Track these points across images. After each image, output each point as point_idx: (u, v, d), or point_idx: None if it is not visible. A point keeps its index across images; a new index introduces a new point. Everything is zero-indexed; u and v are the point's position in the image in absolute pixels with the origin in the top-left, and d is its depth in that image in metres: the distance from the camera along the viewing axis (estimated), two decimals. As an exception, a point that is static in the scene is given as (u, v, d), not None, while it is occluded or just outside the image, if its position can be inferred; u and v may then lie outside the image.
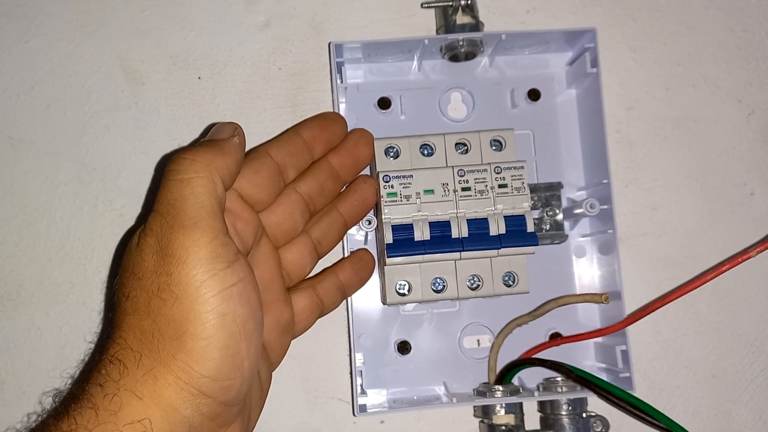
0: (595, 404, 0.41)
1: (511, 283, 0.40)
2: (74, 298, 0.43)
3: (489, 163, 0.40)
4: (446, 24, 0.43)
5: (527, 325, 0.42)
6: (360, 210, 0.40)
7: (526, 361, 0.41)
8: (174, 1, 0.46)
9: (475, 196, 0.40)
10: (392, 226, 0.39)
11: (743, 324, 0.45)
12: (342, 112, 0.44)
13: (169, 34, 0.46)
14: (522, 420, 0.41)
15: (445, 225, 0.39)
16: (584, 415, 0.41)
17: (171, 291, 0.28)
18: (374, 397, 0.42)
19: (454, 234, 0.39)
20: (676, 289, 0.37)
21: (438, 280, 0.40)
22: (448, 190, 0.40)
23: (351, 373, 0.42)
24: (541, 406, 0.42)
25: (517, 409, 0.40)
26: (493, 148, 0.41)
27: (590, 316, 0.44)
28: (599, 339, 0.43)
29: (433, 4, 0.44)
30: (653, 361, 0.44)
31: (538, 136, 0.45)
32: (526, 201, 0.40)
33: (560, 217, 0.42)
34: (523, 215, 0.39)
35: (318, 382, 0.43)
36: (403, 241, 0.39)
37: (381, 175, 0.40)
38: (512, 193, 0.40)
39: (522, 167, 0.40)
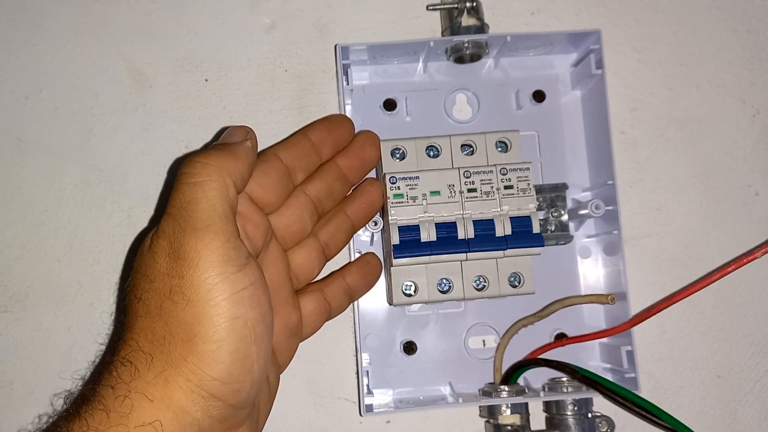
0: (601, 404, 0.41)
1: (517, 284, 0.40)
2: (82, 298, 0.44)
3: (495, 165, 0.40)
4: (451, 26, 0.43)
5: (532, 325, 0.42)
6: (367, 213, 0.40)
7: (531, 362, 0.41)
8: (180, 4, 0.46)
9: (481, 197, 0.40)
10: (399, 227, 0.39)
11: (748, 324, 0.45)
12: (348, 114, 0.44)
13: (175, 36, 0.46)
14: (528, 420, 0.41)
15: (451, 226, 0.39)
16: (590, 415, 0.41)
17: (183, 294, 0.28)
18: (380, 398, 0.42)
19: (460, 235, 0.39)
20: (681, 289, 0.37)
21: (444, 280, 0.40)
22: (454, 192, 0.40)
23: (357, 373, 0.42)
24: (547, 406, 0.42)
25: (522, 410, 0.41)
26: (499, 149, 0.41)
27: (595, 317, 0.44)
28: (604, 339, 0.43)
29: (438, 7, 0.44)
30: (658, 361, 0.45)
31: (543, 138, 0.45)
32: (531, 202, 0.40)
33: (565, 217, 0.43)
34: (528, 216, 0.40)
35: (324, 383, 0.44)
36: (409, 242, 0.39)
37: (387, 177, 0.40)
38: (518, 194, 0.40)
39: (528, 168, 0.40)
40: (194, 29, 0.46)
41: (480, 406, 0.42)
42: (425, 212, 0.40)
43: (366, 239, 0.43)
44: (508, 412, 0.40)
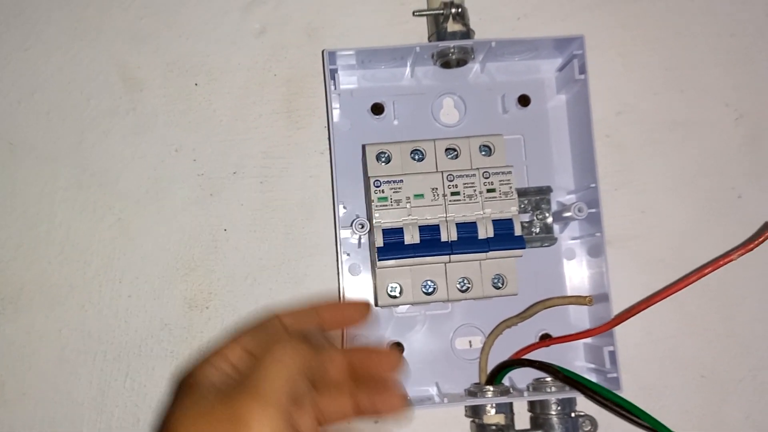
0: (585, 404, 0.42)
1: (500, 285, 0.41)
2: (73, 300, 0.44)
3: (478, 168, 0.41)
4: (438, 32, 0.44)
5: (517, 326, 0.43)
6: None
7: (515, 362, 0.41)
8: (171, 9, 0.47)
9: (464, 200, 0.40)
10: (383, 229, 0.40)
11: (732, 325, 0.46)
12: (336, 118, 0.45)
13: (166, 41, 0.46)
14: (512, 420, 0.41)
15: (434, 229, 0.40)
16: (573, 414, 0.41)
17: None
18: (367, 398, 0.43)
19: (444, 237, 0.40)
20: (661, 290, 0.38)
21: (428, 282, 0.41)
22: (438, 195, 0.40)
23: (345, 374, 0.43)
24: (531, 406, 0.42)
25: (507, 409, 0.41)
26: (483, 153, 0.42)
27: (580, 318, 0.45)
28: (588, 340, 0.44)
29: (425, 13, 0.45)
30: (644, 361, 0.45)
31: (529, 141, 0.46)
32: (513, 205, 0.40)
33: (550, 220, 0.43)
34: (510, 219, 0.40)
35: (312, 383, 0.44)
36: (393, 245, 0.40)
37: (372, 180, 0.40)
38: (500, 197, 0.40)
39: (510, 172, 0.41)
40: (185, 34, 0.47)
41: (466, 406, 0.43)
42: (409, 215, 0.40)
43: (354, 241, 0.44)
44: (493, 411, 0.41)
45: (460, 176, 0.41)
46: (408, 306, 0.44)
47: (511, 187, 0.41)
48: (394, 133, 0.45)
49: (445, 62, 0.44)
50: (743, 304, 0.46)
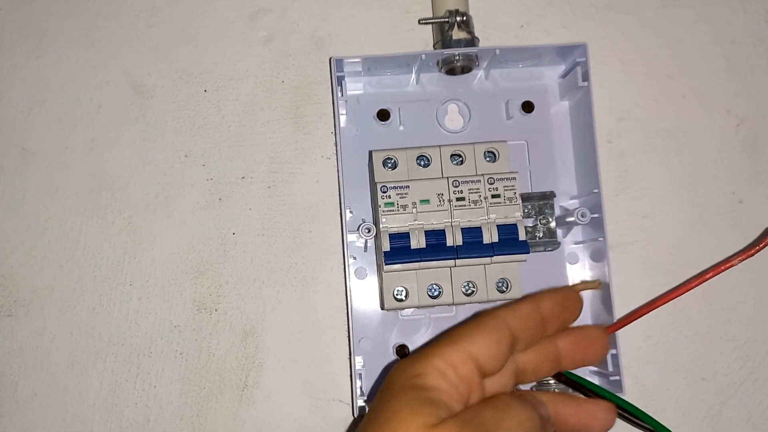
0: (587, 406, 0.42)
1: (505, 289, 0.42)
2: (84, 304, 0.45)
3: (483, 174, 0.42)
4: (443, 39, 0.45)
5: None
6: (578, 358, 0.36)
7: (519, 365, 0.42)
8: (180, 18, 0.48)
9: (469, 205, 0.41)
10: (389, 234, 0.41)
11: (732, 329, 0.46)
12: (342, 124, 0.45)
13: (175, 49, 0.47)
14: (516, 421, 0.42)
15: (440, 233, 0.41)
16: (576, 416, 0.42)
17: None
18: (373, 400, 0.44)
19: (449, 242, 0.40)
20: (662, 295, 0.39)
21: (434, 286, 0.42)
22: (443, 200, 0.41)
23: (351, 376, 0.44)
24: (535, 408, 0.43)
25: (511, 411, 0.42)
26: (487, 159, 0.43)
27: (583, 321, 0.45)
28: (591, 343, 0.44)
29: (430, 21, 0.45)
30: (644, 364, 0.46)
31: (533, 147, 0.46)
32: (517, 210, 0.41)
33: (553, 225, 0.44)
34: (515, 224, 0.41)
35: (319, 385, 0.45)
36: (400, 249, 0.40)
37: (379, 186, 0.41)
38: (505, 202, 0.41)
39: (514, 178, 0.42)
40: (193, 42, 0.47)
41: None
42: (415, 220, 0.41)
43: (360, 245, 0.45)
44: (497, 413, 0.41)
45: (465, 182, 0.41)
46: (413, 309, 0.44)
47: (515, 193, 0.41)
48: (399, 138, 0.46)
49: (450, 69, 0.45)
50: (743, 308, 0.46)
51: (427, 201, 0.41)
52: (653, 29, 0.49)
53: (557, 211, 0.45)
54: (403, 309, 0.44)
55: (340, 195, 0.43)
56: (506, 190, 0.41)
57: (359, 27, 0.48)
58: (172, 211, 0.46)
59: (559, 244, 0.45)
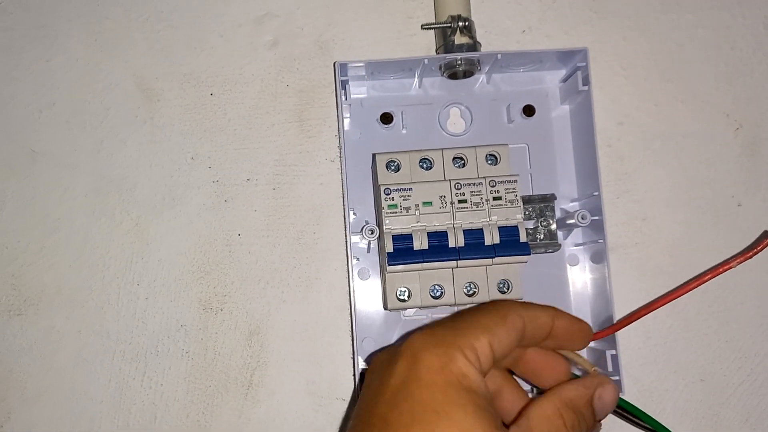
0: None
1: (506, 290, 0.42)
2: (92, 303, 0.46)
3: (484, 177, 0.42)
4: (445, 44, 0.45)
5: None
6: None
7: (520, 365, 0.43)
8: (187, 22, 0.48)
9: (471, 208, 0.42)
10: (393, 236, 0.41)
11: (730, 330, 0.47)
12: (346, 127, 0.46)
13: (182, 53, 0.48)
14: (516, 421, 0.43)
15: (442, 235, 0.41)
16: (576, 416, 0.42)
17: None
18: (376, 399, 0.44)
19: (451, 243, 0.41)
20: (661, 297, 0.39)
21: (436, 286, 0.42)
22: (446, 203, 0.42)
23: (354, 375, 0.44)
24: (535, 407, 0.43)
25: (512, 410, 0.42)
26: (489, 162, 0.43)
27: (583, 322, 0.46)
28: (592, 344, 0.45)
29: (432, 26, 0.46)
30: (644, 365, 0.46)
31: (533, 150, 0.47)
32: (519, 213, 0.42)
33: (554, 227, 0.44)
34: (516, 226, 0.42)
35: (323, 384, 0.45)
36: (402, 250, 0.41)
37: (382, 188, 0.42)
38: (506, 205, 0.42)
39: (515, 181, 0.42)
40: (200, 46, 0.48)
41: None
42: (418, 222, 0.42)
43: (363, 246, 0.45)
44: (498, 412, 0.42)
45: (467, 184, 0.42)
46: (416, 309, 0.45)
47: (516, 195, 0.42)
48: (402, 141, 0.46)
49: (453, 73, 0.45)
50: (741, 310, 0.47)
51: (429, 203, 0.42)
52: (653, 34, 0.49)
53: (558, 214, 0.45)
54: (406, 309, 0.44)
55: (344, 197, 0.44)
56: (507, 192, 0.42)
57: (363, 32, 0.49)
58: (179, 212, 0.47)
59: (560, 245, 0.45)
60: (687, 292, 0.38)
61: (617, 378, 0.42)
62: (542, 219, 0.45)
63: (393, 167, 0.43)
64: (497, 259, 0.41)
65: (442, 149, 0.43)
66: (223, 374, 0.45)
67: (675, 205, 0.48)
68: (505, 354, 0.32)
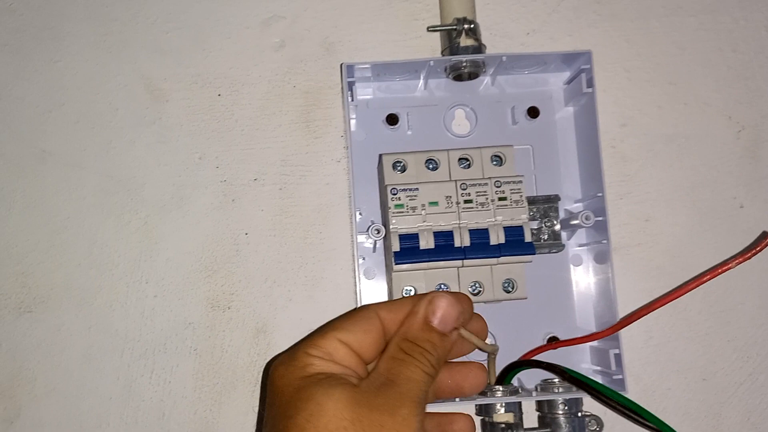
0: (591, 404, 0.43)
1: (510, 290, 0.43)
2: (101, 301, 0.46)
3: (490, 178, 0.43)
4: (450, 46, 0.46)
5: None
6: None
7: (524, 363, 0.43)
8: (195, 24, 0.49)
9: (477, 208, 0.42)
10: (399, 235, 0.42)
11: (732, 330, 0.47)
12: (352, 128, 0.47)
13: (190, 54, 0.49)
14: (521, 418, 0.43)
15: (448, 235, 0.42)
16: (579, 414, 0.43)
17: None
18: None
19: (457, 243, 0.42)
20: (663, 296, 0.40)
21: (441, 285, 0.43)
22: (452, 203, 0.42)
23: (360, 373, 0.45)
24: (539, 405, 0.44)
25: (516, 408, 0.43)
26: (494, 163, 0.44)
27: (587, 321, 0.46)
28: (595, 343, 0.45)
29: (438, 28, 0.47)
30: (646, 364, 0.47)
31: (538, 151, 0.47)
32: (524, 213, 0.42)
33: (558, 227, 0.45)
34: (521, 226, 0.42)
35: (328, 382, 0.46)
36: (409, 250, 0.41)
37: (389, 188, 0.42)
38: (511, 205, 0.42)
39: (520, 181, 0.43)
40: (208, 47, 0.49)
41: (476, 405, 0.45)
42: (424, 221, 0.42)
43: (369, 246, 0.46)
44: (503, 410, 0.42)
45: (472, 185, 0.43)
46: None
47: (521, 196, 0.42)
48: (407, 142, 0.47)
49: (458, 75, 0.46)
50: (743, 310, 0.47)
51: (435, 203, 0.42)
52: (656, 37, 0.50)
53: (562, 214, 0.46)
54: (411, 308, 0.45)
55: (350, 197, 0.44)
56: (512, 193, 0.42)
57: (369, 34, 0.49)
58: (187, 211, 0.47)
59: (564, 246, 0.46)
60: (686, 292, 0.38)
61: (620, 377, 0.42)
62: (546, 219, 0.45)
63: (399, 167, 0.44)
64: (502, 259, 0.42)
65: (447, 150, 0.44)
66: (230, 372, 0.46)
67: (677, 207, 0.48)
68: (368, 347, 0.33)
